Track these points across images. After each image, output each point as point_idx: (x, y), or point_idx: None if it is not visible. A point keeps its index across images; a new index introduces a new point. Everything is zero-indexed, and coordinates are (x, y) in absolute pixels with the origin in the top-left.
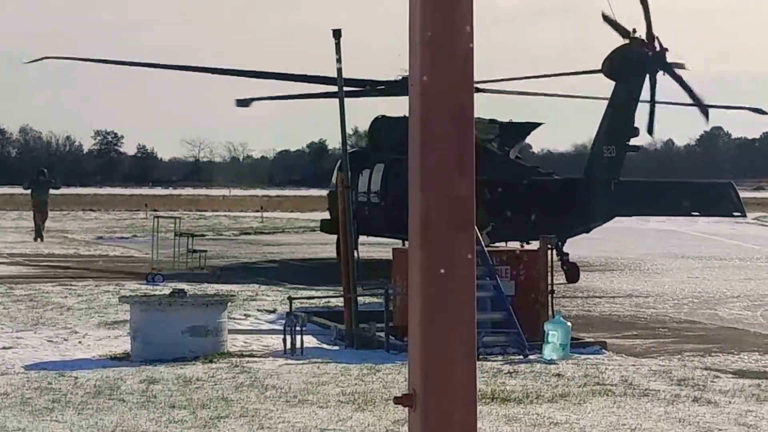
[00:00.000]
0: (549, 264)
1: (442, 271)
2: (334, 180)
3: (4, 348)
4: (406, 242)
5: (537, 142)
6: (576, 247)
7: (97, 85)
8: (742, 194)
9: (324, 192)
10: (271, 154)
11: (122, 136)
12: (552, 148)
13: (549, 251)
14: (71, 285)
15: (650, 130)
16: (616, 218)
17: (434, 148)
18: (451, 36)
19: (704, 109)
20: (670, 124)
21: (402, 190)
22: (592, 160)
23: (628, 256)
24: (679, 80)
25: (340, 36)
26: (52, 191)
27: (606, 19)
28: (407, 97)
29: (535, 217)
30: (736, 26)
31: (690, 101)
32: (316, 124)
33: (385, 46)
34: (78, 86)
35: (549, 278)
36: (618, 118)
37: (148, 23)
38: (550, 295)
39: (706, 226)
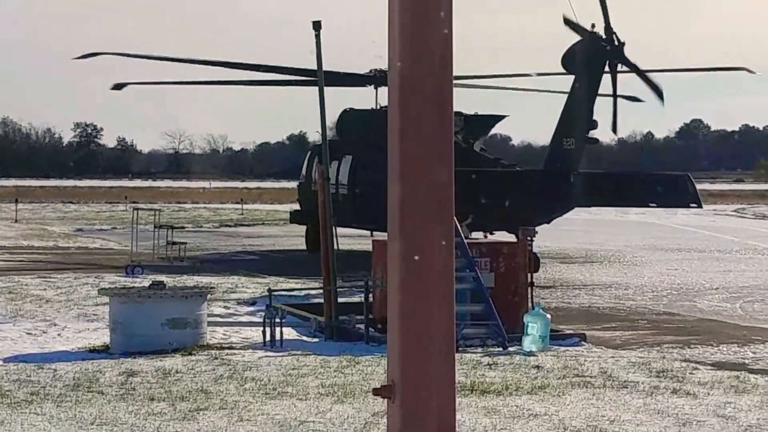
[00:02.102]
0: (528, 256)
1: (419, 258)
2: (303, 172)
3: None
4: (375, 233)
5: (517, 134)
6: (556, 239)
7: (77, 76)
8: (722, 186)
9: None
10: (252, 147)
11: (102, 129)
12: (532, 141)
13: (528, 244)
14: (50, 277)
15: (614, 128)
16: (596, 211)
17: (412, 136)
18: (427, 24)
19: (660, 94)
20: (649, 116)
21: (369, 182)
22: (552, 152)
23: (608, 248)
24: (636, 69)
25: (320, 28)
26: None
27: (567, 22)
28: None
29: (497, 208)
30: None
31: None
32: (297, 116)
33: (366, 35)
34: (58, 78)
35: (528, 270)
36: (577, 111)
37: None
38: (529, 287)
39: (685, 218)
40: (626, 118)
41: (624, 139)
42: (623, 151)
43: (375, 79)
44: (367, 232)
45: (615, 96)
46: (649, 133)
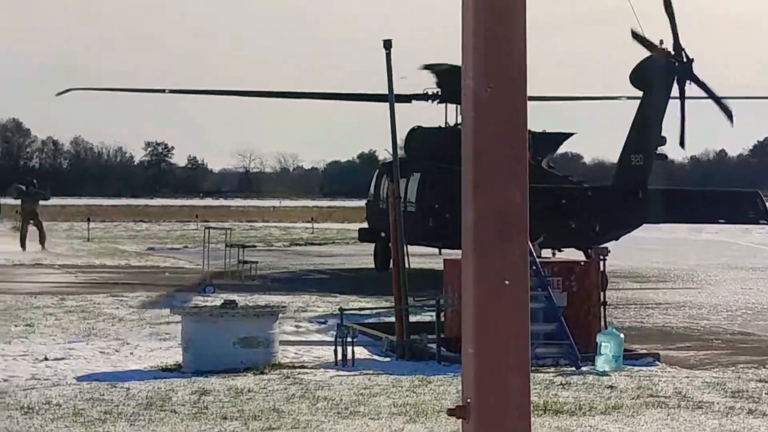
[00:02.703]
0: (601, 275)
1: (496, 281)
2: (371, 190)
3: (56, 359)
4: (443, 251)
5: (588, 152)
6: (628, 258)
7: (147, 96)
8: None
9: None
10: (322, 165)
11: (173, 148)
12: (604, 158)
13: (601, 263)
14: (123, 296)
15: (682, 143)
16: (668, 229)
17: (486, 156)
18: (504, 47)
19: (730, 115)
20: (722, 134)
21: (437, 199)
22: (620, 168)
23: (681, 267)
24: (705, 87)
25: (390, 47)
26: (41, 202)
27: (635, 36)
28: (442, 108)
29: (565, 225)
30: None
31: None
32: (367, 134)
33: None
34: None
35: (601, 289)
36: (645, 128)
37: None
38: (602, 307)
39: (760, 237)
40: (699, 135)
41: (696, 157)
42: (696, 168)
43: (441, 96)
44: (435, 250)
45: (683, 113)
46: (723, 150)
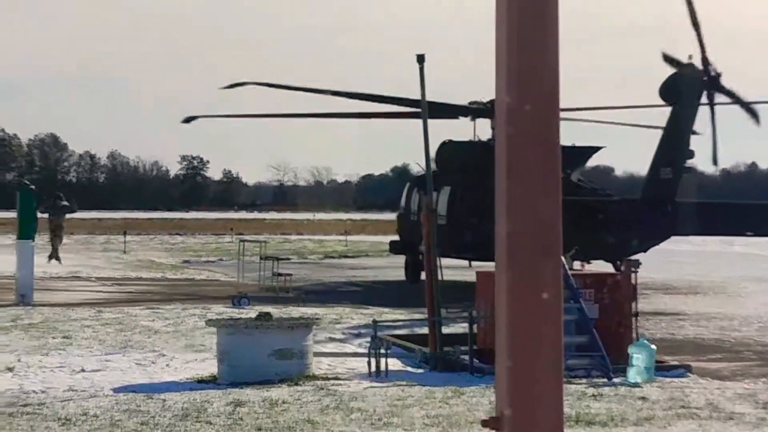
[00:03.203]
0: (633, 287)
1: (529, 294)
2: (403, 203)
3: (93, 371)
4: (473, 263)
5: (620, 165)
6: (660, 270)
7: (182, 110)
8: None
9: None
10: (355, 178)
11: (208, 161)
12: (635, 171)
13: (633, 274)
14: (159, 308)
15: (715, 161)
16: (699, 242)
17: (520, 170)
18: (537, 62)
19: (757, 117)
20: (754, 146)
21: (467, 212)
22: (649, 181)
23: (712, 279)
24: (732, 95)
25: (423, 61)
26: (68, 215)
27: (666, 58)
28: (472, 121)
29: (594, 237)
30: None
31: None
32: (401, 148)
33: (468, 72)
34: (164, 111)
35: (633, 301)
36: (674, 141)
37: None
38: (634, 318)
39: None
40: (730, 148)
41: (728, 170)
42: (727, 181)
43: (473, 111)
44: (465, 262)
45: (714, 128)
46: (754, 163)
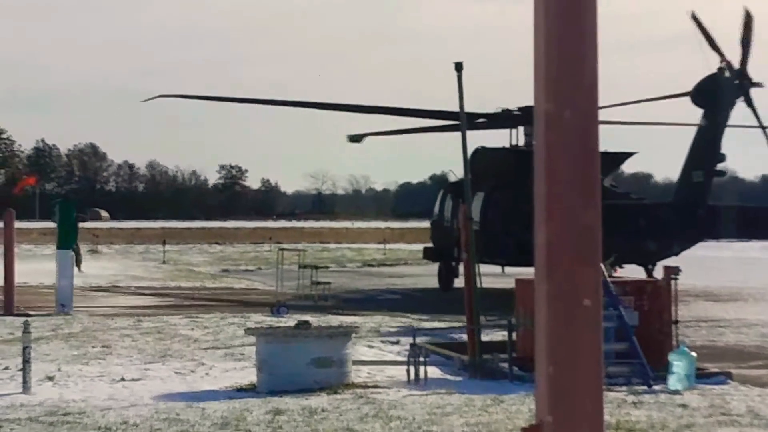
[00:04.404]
0: (673, 294)
1: (569, 301)
2: (436, 210)
3: (133, 380)
4: (506, 269)
5: (659, 171)
6: (700, 277)
7: (222, 119)
8: None
9: None
10: (393, 187)
11: (246, 170)
12: (675, 178)
13: (673, 281)
14: (198, 317)
15: None
16: (740, 248)
17: (559, 178)
18: (576, 68)
19: None
20: None
21: (500, 218)
22: (681, 185)
23: (753, 285)
24: (755, 113)
25: (461, 69)
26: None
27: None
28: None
29: (627, 241)
30: None
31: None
32: (438, 156)
33: (505, 79)
34: (202, 121)
35: (673, 308)
36: (706, 145)
37: (260, 57)
38: (674, 325)
39: None
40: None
41: (767, 176)
42: (766, 186)
43: (505, 117)
44: (498, 269)
45: (760, 123)
46: None
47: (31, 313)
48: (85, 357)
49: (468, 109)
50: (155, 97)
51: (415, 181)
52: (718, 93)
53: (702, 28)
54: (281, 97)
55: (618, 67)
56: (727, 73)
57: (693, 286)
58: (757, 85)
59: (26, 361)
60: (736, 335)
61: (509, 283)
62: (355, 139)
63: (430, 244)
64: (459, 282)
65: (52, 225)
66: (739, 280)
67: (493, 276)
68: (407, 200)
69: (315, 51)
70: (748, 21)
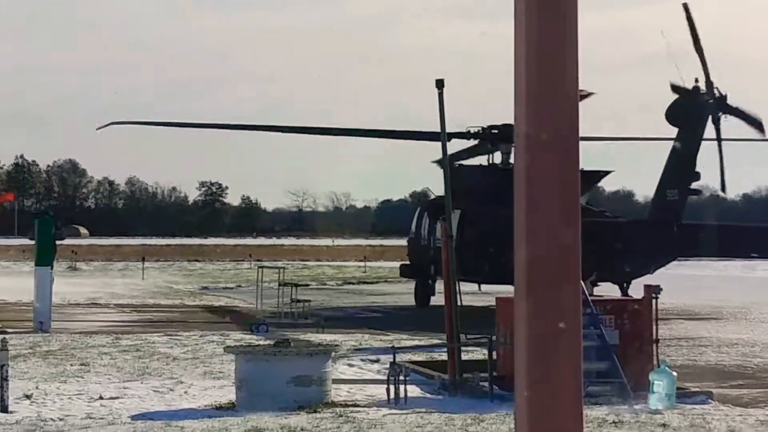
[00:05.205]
0: (653, 313)
1: (549, 322)
2: (413, 227)
3: (111, 398)
4: (482, 285)
5: (641, 190)
6: (681, 295)
7: (202, 135)
8: None
9: None
10: (374, 204)
11: (227, 187)
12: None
13: (653, 300)
14: (177, 335)
15: (723, 187)
16: (721, 267)
17: (539, 197)
18: (554, 87)
19: (760, 126)
20: None
21: (477, 236)
22: (655, 203)
23: (734, 304)
24: (739, 113)
25: (442, 86)
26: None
27: (674, 88)
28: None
29: (602, 258)
30: None
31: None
32: (419, 173)
33: (487, 98)
34: (183, 138)
35: (653, 327)
36: (680, 164)
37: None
38: (654, 345)
39: None
40: (751, 173)
41: (749, 195)
42: (749, 206)
43: (486, 135)
44: (474, 286)
45: (721, 155)
46: None
47: (9, 330)
48: (63, 375)
49: (449, 128)
50: (108, 125)
51: (395, 198)
52: (692, 111)
53: (691, 22)
54: (262, 119)
55: (597, 86)
56: (702, 91)
57: (674, 305)
58: (727, 108)
59: (4, 379)
60: (716, 354)
61: (488, 301)
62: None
63: (407, 262)
64: (436, 299)
65: (31, 242)
66: (720, 299)
67: (472, 294)
68: (388, 217)
69: (298, 72)
70: (690, 18)
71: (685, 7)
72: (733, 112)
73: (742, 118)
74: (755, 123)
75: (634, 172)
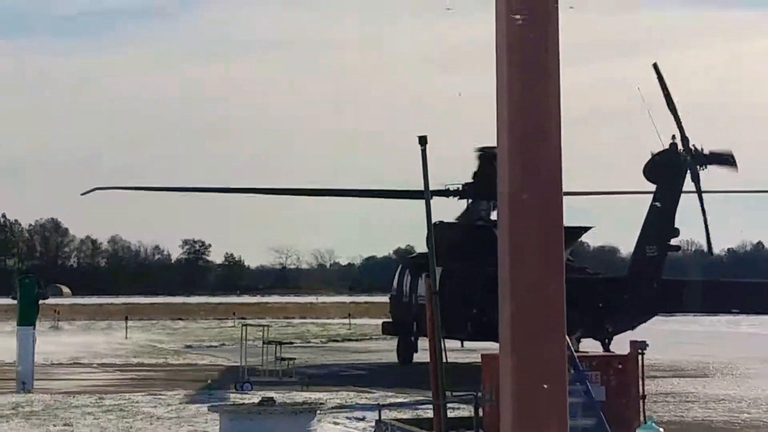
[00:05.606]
0: (640, 369)
1: (534, 378)
2: (395, 284)
3: None
4: (465, 342)
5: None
6: (667, 351)
7: (183, 195)
8: None
9: None
10: (358, 261)
11: (210, 245)
12: None
13: (640, 356)
14: (161, 394)
15: (709, 249)
16: (708, 322)
17: (523, 253)
18: (536, 143)
19: (732, 161)
20: (760, 226)
21: (458, 293)
22: (635, 259)
23: (720, 360)
24: (713, 157)
25: (425, 143)
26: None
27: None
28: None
29: (583, 315)
30: None
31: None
32: (403, 229)
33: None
34: (165, 196)
35: (640, 383)
36: (659, 220)
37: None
38: (641, 400)
39: None
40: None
41: (734, 250)
42: (733, 261)
43: (465, 192)
44: (457, 344)
45: (704, 214)
46: (760, 242)
47: None
48: None
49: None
50: (92, 190)
51: (379, 255)
52: (670, 168)
53: (662, 82)
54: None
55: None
56: (679, 147)
57: (660, 361)
58: (703, 159)
59: None
60: (704, 410)
61: (471, 358)
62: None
63: (390, 319)
64: (418, 356)
65: (12, 302)
66: (707, 354)
67: (455, 351)
68: (372, 274)
69: (279, 125)
70: (660, 76)
71: (655, 67)
72: (709, 160)
73: (717, 162)
74: (728, 160)
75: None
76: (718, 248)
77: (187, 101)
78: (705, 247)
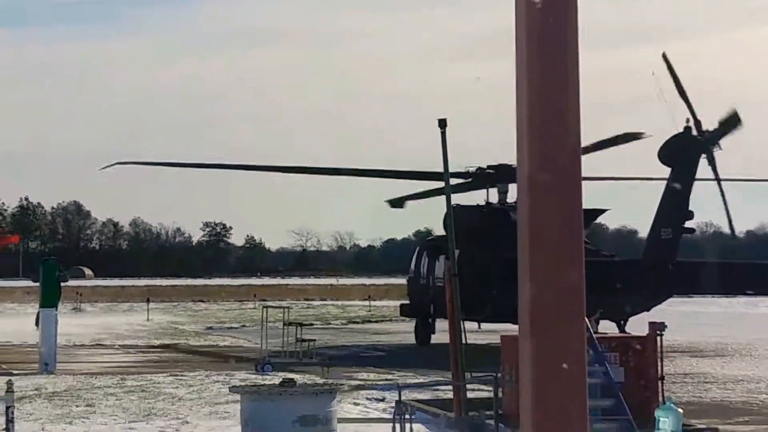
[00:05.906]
0: (658, 350)
1: (554, 361)
2: (412, 267)
3: None
4: (482, 324)
5: (646, 227)
6: (686, 332)
7: (205, 176)
8: None
9: None
10: (378, 243)
11: (231, 228)
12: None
13: (658, 337)
14: (182, 375)
15: (732, 232)
16: (726, 303)
17: (542, 238)
18: (556, 129)
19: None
20: None
21: (475, 275)
22: (650, 242)
23: (738, 341)
24: (721, 130)
25: (445, 126)
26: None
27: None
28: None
29: (599, 297)
30: None
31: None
32: (423, 211)
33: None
34: (186, 180)
35: (659, 364)
36: (673, 203)
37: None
38: (660, 381)
39: None
40: (755, 209)
41: (753, 231)
42: (753, 243)
43: (484, 175)
44: (474, 325)
45: (723, 196)
46: None
47: (15, 372)
48: (69, 416)
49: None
50: (113, 164)
51: (399, 237)
52: (684, 151)
53: (672, 71)
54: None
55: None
56: (693, 131)
57: (678, 342)
58: (717, 139)
59: (9, 421)
60: (722, 391)
61: (489, 339)
62: (396, 203)
63: (407, 301)
64: (436, 338)
65: (35, 284)
66: (725, 335)
67: (472, 332)
68: (392, 256)
69: (294, 115)
70: (669, 66)
71: (665, 56)
72: (719, 135)
73: (726, 130)
74: (734, 121)
75: (638, 210)
76: (738, 230)
77: (213, 90)
78: (723, 229)
